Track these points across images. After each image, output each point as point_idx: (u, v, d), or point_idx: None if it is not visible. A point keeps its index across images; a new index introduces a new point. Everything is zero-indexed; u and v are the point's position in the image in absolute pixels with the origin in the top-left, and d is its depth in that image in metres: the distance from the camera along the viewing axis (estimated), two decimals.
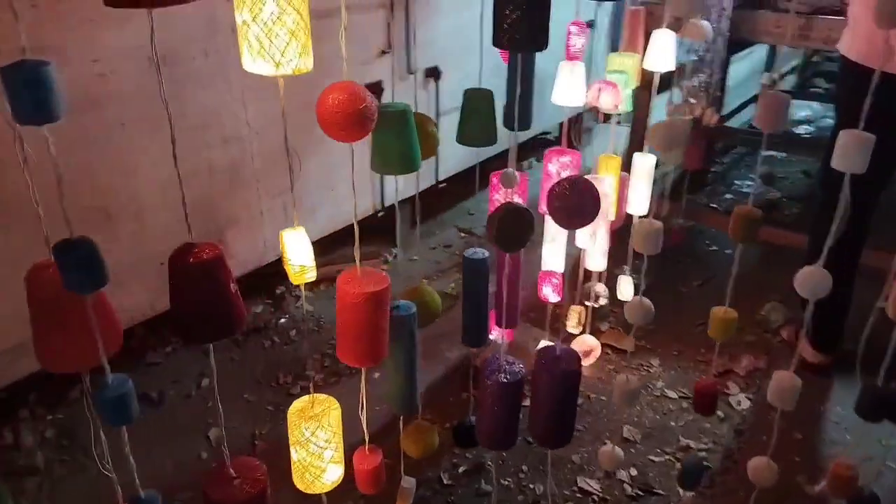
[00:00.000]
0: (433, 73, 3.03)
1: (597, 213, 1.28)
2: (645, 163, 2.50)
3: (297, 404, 1.19)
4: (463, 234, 3.49)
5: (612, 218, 2.40)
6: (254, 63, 0.95)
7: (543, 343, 1.89)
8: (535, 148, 4.24)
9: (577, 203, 1.19)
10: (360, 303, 1.18)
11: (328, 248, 2.78)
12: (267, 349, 2.52)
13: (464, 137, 1.56)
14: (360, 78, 2.71)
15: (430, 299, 1.53)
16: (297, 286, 2.82)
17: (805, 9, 3.02)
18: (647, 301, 1.58)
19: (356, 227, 1.12)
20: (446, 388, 2.38)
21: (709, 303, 1.62)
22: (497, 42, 1.14)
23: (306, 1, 0.95)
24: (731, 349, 2.58)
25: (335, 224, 2.71)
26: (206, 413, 2.17)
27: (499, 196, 1.80)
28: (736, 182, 4.37)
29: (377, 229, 2.89)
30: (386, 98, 2.84)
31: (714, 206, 4.00)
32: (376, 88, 2.76)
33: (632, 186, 2.48)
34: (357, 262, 1.15)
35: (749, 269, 2.73)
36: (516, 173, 1.83)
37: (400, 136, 1.25)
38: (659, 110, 3.13)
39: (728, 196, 4.15)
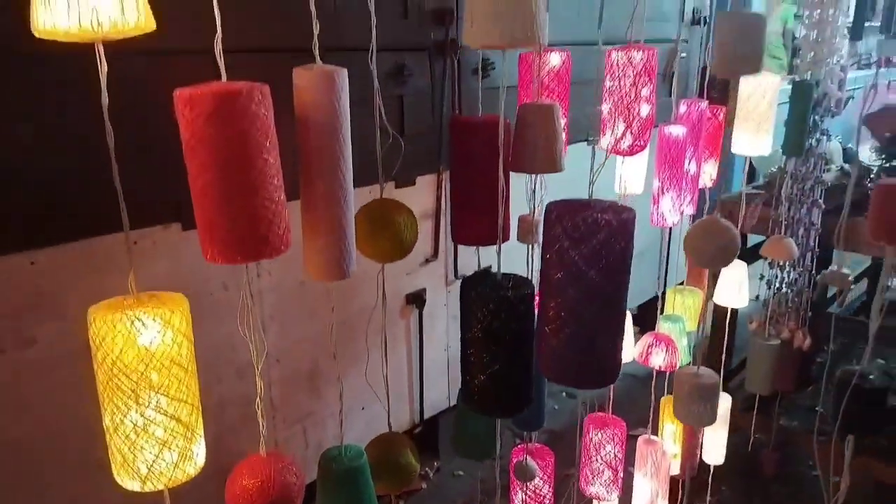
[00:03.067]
0: None
1: None
2: (721, 405, 2.13)
3: None
4: (518, 441, 3.13)
5: (676, 472, 2.01)
6: (118, 475, 0.74)
7: None
8: None
9: None
10: None
11: None
12: None
13: (456, 444, 1.29)
14: (403, 288, 2.56)
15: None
16: None
17: None
18: None
19: None
20: None
21: None
22: (465, 400, 0.90)
23: (191, 392, 0.75)
24: None
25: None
26: None
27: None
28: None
29: (417, 444, 2.60)
30: (431, 306, 2.65)
31: (819, 409, 3.45)
32: (419, 298, 2.58)
33: (706, 432, 2.11)
34: None
35: None
36: (535, 465, 1.53)
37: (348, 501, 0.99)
38: (741, 327, 2.75)
39: None
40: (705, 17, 3.13)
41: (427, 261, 2.60)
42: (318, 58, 0.81)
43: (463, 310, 0.86)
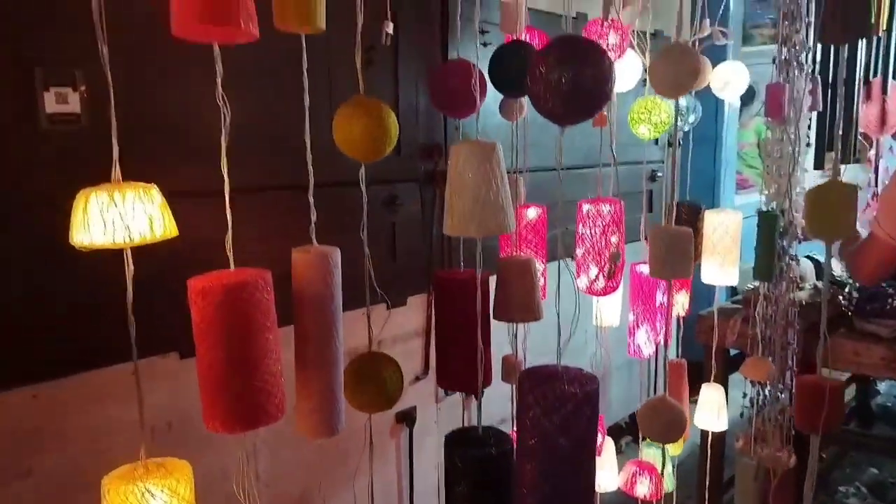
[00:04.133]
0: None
1: None
2: None
3: None
4: None
5: None
6: None
7: None
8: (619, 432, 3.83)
9: None
10: None
11: None
12: None
13: None
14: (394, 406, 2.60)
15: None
16: None
17: (888, 332, 2.71)
18: None
19: None
20: None
21: None
22: None
23: None
24: None
25: None
26: None
27: None
28: (840, 488, 3.76)
29: None
30: (422, 424, 2.68)
31: None
32: (409, 416, 2.62)
33: None
34: None
35: None
36: None
37: None
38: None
39: None
40: (679, 140, 3.34)
41: (417, 378, 2.66)
42: (314, 240, 0.92)
43: (447, 467, 0.93)
